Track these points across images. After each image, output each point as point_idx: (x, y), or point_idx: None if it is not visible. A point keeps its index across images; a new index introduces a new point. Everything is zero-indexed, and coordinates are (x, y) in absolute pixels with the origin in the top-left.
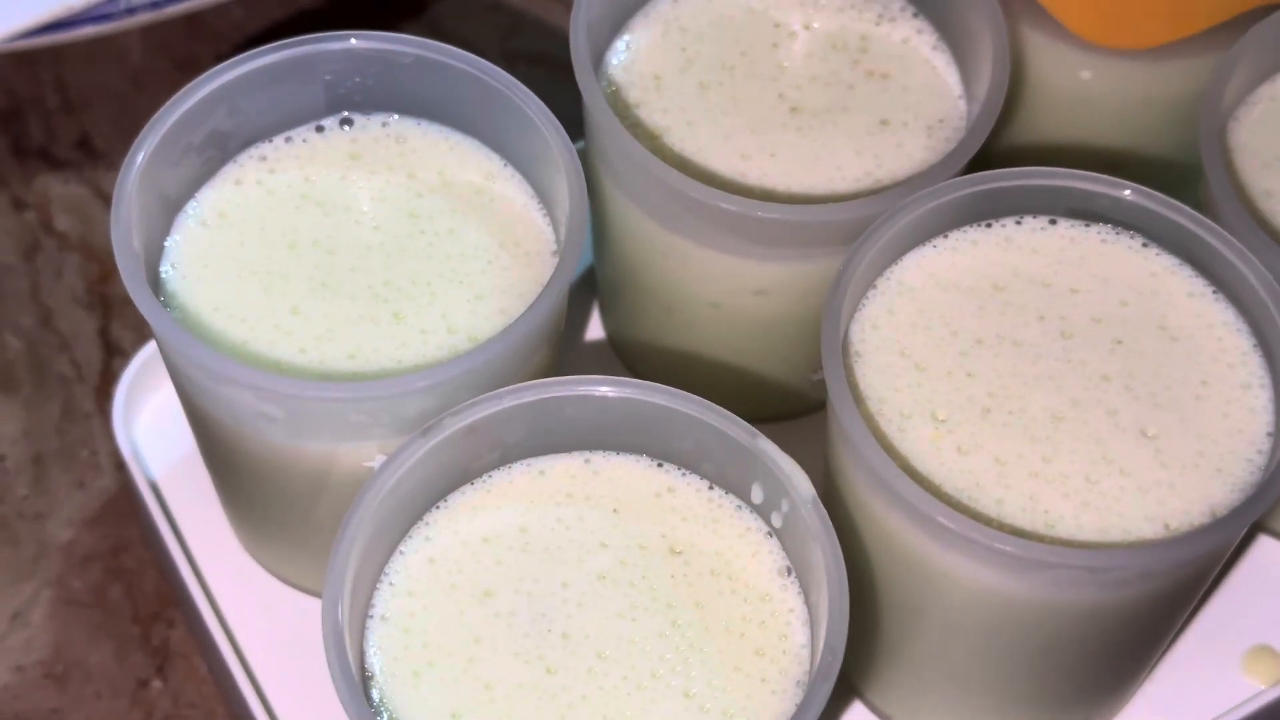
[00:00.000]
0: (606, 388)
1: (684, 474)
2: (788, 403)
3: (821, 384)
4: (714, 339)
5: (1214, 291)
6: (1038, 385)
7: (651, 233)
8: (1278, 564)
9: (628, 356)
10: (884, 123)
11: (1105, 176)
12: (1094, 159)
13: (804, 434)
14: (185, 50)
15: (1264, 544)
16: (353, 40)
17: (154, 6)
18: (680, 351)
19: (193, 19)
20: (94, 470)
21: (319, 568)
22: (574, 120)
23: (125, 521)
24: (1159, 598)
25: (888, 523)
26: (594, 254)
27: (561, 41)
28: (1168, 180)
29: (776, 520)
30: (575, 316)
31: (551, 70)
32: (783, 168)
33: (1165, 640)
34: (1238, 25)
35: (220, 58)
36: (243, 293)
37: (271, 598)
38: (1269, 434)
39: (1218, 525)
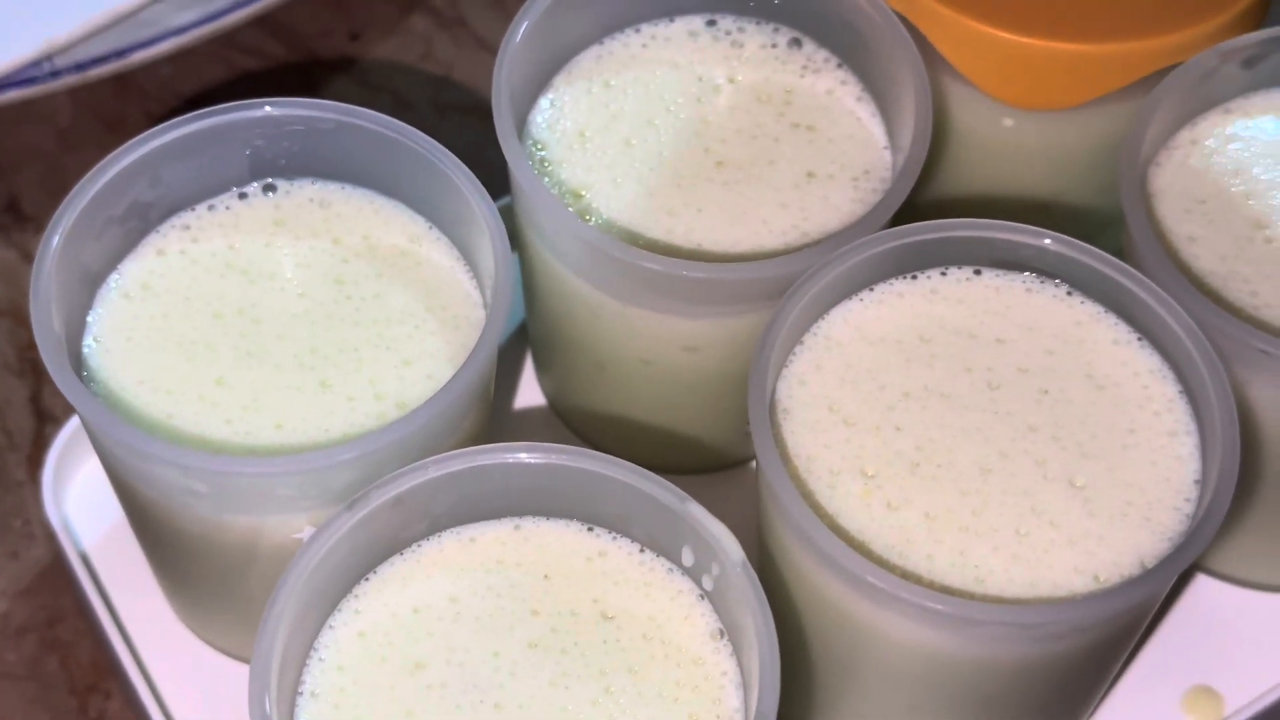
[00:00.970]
0: (533, 454)
1: (615, 538)
2: (722, 455)
3: (751, 437)
4: (647, 395)
5: (1139, 338)
6: (966, 438)
7: (580, 292)
8: (1216, 604)
9: (562, 412)
10: (810, 175)
11: (1028, 226)
12: (1020, 205)
13: (740, 485)
14: (114, 110)
15: (1202, 583)
16: (272, 108)
17: (79, 69)
18: (614, 407)
19: (121, 78)
20: (27, 540)
21: (253, 637)
22: (506, 170)
23: (60, 591)
24: (1092, 649)
25: (819, 581)
26: (526, 312)
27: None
28: (1094, 225)
29: (708, 583)
30: (511, 371)
31: (484, 120)
32: (709, 223)
33: (1103, 687)
34: (1158, 72)
35: (150, 116)
36: (167, 364)
37: (206, 667)
38: (1196, 481)
39: (1146, 577)
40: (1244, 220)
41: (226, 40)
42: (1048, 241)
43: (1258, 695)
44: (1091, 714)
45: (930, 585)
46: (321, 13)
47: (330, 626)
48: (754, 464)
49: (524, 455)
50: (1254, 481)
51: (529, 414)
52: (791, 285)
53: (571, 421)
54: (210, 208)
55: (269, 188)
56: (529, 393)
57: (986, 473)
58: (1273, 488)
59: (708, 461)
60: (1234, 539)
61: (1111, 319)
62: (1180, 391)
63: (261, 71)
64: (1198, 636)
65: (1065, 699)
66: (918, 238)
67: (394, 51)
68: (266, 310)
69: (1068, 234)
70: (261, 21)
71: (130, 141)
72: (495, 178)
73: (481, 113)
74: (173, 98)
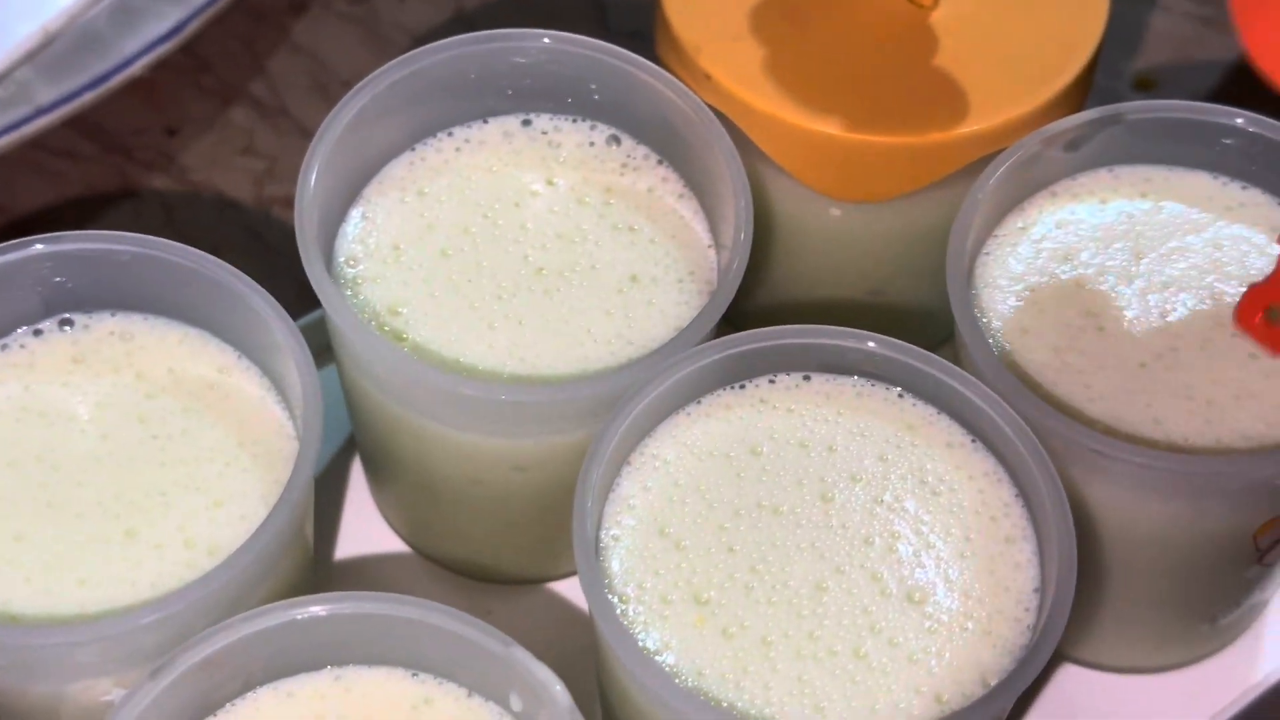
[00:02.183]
0: (349, 604)
1: (441, 683)
2: (568, 562)
3: None
4: (480, 512)
5: (973, 440)
6: (799, 555)
7: (401, 417)
8: (1081, 689)
9: (396, 525)
10: (633, 279)
11: (856, 330)
12: (852, 294)
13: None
14: None
15: (1067, 670)
16: (60, 243)
17: None
18: (447, 523)
19: None
20: None
21: None
22: None
23: None
24: None
25: (654, 716)
26: (352, 426)
27: None
28: (928, 310)
29: None
30: (339, 482)
31: None
32: (531, 335)
33: None
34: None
35: None
36: None
37: None
38: (1035, 590)
39: (986, 700)
40: (1075, 309)
41: (36, 143)
42: (874, 345)
43: None
44: None
45: (765, 718)
46: (134, 109)
47: None
48: None
49: (339, 606)
50: (1100, 579)
51: (361, 529)
52: (617, 400)
53: (405, 535)
54: (3, 348)
55: (65, 323)
56: (360, 505)
57: (821, 591)
58: (1121, 583)
59: (552, 569)
60: (1090, 631)
61: (945, 420)
62: (1016, 495)
63: (75, 173)
64: None
65: None
66: (745, 347)
67: (214, 146)
68: (66, 455)
69: (901, 321)
70: (72, 121)
71: None
72: None
73: None
74: None
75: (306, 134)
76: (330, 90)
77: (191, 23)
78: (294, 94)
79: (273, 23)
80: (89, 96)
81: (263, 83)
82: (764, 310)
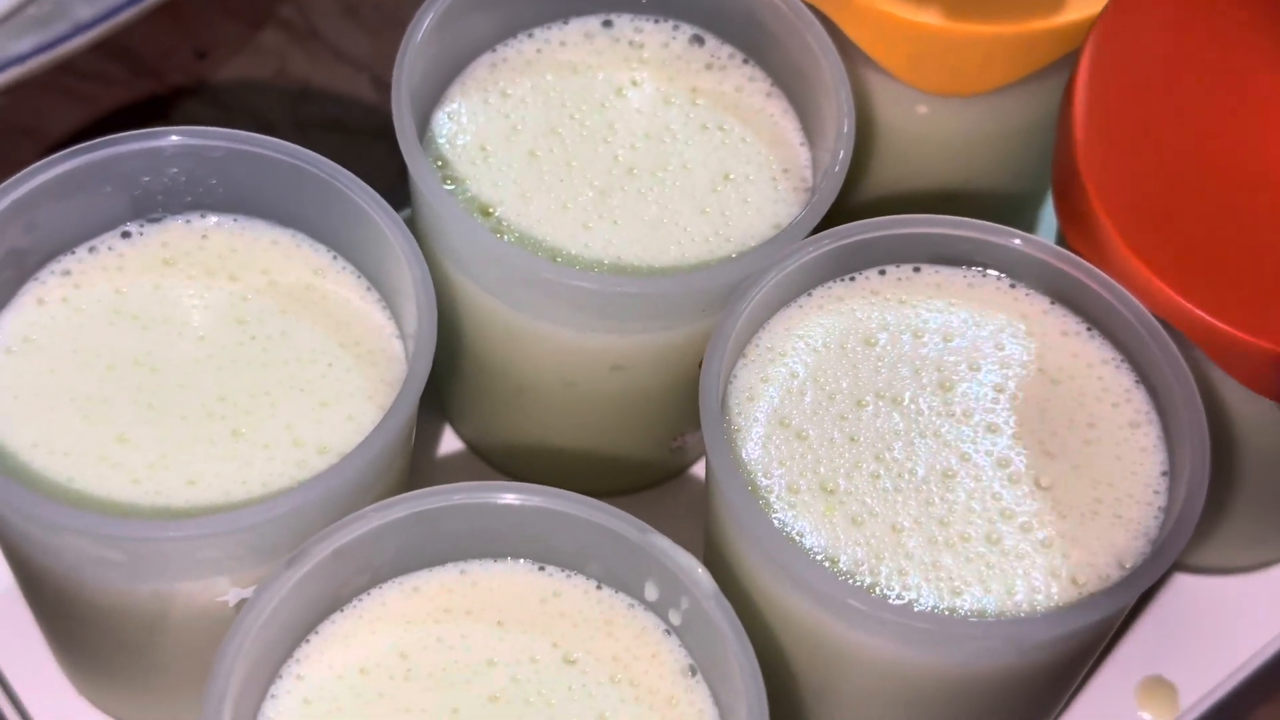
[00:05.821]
0: (482, 494)
1: (569, 575)
2: (647, 474)
3: (680, 452)
4: (568, 416)
5: (1088, 329)
6: (923, 443)
7: (496, 314)
8: (1172, 595)
9: (472, 440)
10: (726, 177)
11: (968, 220)
12: (932, 193)
13: (665, 503)
14: None
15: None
16: (155, 138)
17: None
18: (532, 431)
19: None
20: None
21: (166, 708)
22: (381, 187)
23: None
24: (1074, 652)
25: (788, 605)
26: None
27: (354, 105)
28: (1007, 211)
29: (675, 618)
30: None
31: (348, 136)
32: (627, 235)
33: (1075, 684)
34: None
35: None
36: (62, 424)
37: None
38: (1163, 473)
39: (1129, 580)
40: None
41: (66, 67)
42: (986, 234)
43: (1212, 687)
44: (1059, 713)
45: (905, 601)
46: (163, 32)
47: (272, 696)
48: (678, 480)
49: (473, 496)
50: (1220, 468)
51: (432, 443)
52: (725, 295)
53: (482, 447)
54: (91, 250)
55: (154, 223)
56: (430, 423)
57: (949, 478)
58: (1241, 474)
59: (632, 481)
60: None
61: (1059, 310)
62: (1136, 381)
63: (106, 98)
64: (1155, 628)
65: (1040, 699)
66: (857, 237)
67: (246, 69)
68: (164, 358)
69: (984, 218)
70: (101, 45)
71: (1, 185)
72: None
73: (344, 128)
74: (11, 130)
75: (339, 57)
76: (360, 13)
77: None
78: (324, 17)
79: None
80: (127, 14)
81: (291, 5)
82: (850, 208)
